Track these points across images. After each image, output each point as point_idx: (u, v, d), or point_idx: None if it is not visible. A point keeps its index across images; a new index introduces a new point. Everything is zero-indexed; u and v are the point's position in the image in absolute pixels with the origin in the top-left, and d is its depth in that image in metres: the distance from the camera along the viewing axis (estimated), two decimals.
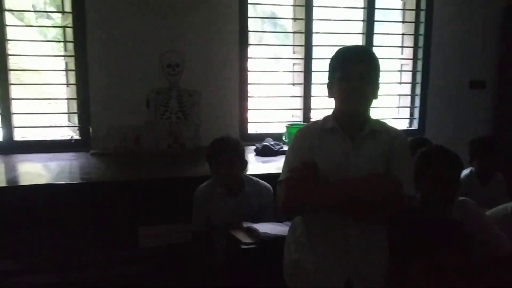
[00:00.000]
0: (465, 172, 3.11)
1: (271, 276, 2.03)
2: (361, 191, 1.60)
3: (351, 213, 1.63)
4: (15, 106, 3.58)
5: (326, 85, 1.79)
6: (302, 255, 1.78)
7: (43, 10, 8.23)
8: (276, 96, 4.41)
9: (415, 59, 4.41)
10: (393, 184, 1.61)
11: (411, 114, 4.53)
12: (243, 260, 2.21)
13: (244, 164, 2.66)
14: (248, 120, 4.02)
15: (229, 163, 2.55)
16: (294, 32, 4.21)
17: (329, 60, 1.78)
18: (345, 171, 1.68)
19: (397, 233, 1.15)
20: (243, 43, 3.89)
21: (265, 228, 2.25)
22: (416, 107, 4.47)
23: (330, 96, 1.78)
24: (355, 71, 1.66)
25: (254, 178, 2.74)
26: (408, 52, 4.46)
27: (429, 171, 2.03)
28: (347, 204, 1.61)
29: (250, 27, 3.93)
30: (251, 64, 3.98)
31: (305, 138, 1.77)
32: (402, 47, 4.51)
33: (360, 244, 1.69)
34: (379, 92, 1.76)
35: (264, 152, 3.61)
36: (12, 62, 3.66)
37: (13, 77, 3.67)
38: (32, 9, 7.65)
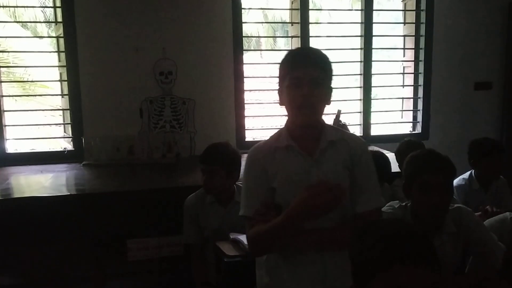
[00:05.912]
0: (464, 176, 2.93)
1: None
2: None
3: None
4: (7, 118, 3.55)
5: (277, 91, 1.64)
6: (273, 278, 1.64)
7: (37, 20, 8.24)
8: (274, 102, 4.30)
9: (416, 61, 4.29)
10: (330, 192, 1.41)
11: (414, 117, 4.39)
12: (228, 273, 2.11)
13: (234, 175, 2.51)
14: (246, 127, 3.94)
15: (210, 174, 2.45)
16: (291, 37, 4.13)
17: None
18: None
19: (359, 246, 1.05)
20: (238, 49, 3.82)
21: None
22: (419, 110, 4.34)
23: (281, 104, 1.63)
24: (304, 77, 1.50)
25: None
26: (410, 54, 4.34)
27: (420, 178, 1.88)
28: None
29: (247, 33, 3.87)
30: (249, 70, 3.90)
31: (258, 163, 1.61)
32: (403, 49, 4.40)
33: (338, 266, 1.54)
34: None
35: None
36: (4, 72, 3.64)
37: (4, 88, 3.65)
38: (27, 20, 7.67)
